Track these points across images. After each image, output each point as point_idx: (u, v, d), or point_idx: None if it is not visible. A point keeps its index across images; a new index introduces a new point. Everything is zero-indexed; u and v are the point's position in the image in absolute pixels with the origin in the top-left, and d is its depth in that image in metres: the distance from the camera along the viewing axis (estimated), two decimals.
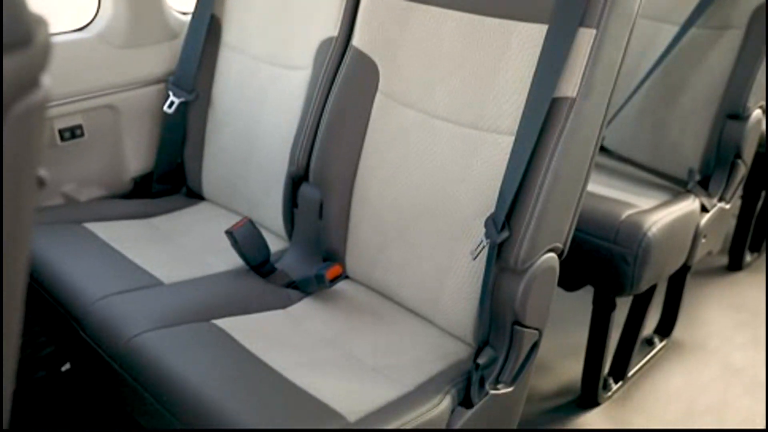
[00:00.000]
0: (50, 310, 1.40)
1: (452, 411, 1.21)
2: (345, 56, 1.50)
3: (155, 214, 1.74)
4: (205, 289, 1.42)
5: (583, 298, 1.88)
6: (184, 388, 1.13)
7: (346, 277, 1.52)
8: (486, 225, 1.23)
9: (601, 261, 1.72)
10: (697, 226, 1.87)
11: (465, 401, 1.23)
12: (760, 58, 1.90)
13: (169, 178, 1.89)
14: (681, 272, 1.96)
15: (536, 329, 1.28)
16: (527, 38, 1.26)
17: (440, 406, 1.18)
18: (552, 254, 1.27)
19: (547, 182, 1.20)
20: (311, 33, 1.58)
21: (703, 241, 1.90)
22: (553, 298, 1.31)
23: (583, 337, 1.88)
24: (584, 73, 1.19)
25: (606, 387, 1.94)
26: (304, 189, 1.54)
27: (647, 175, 2.08)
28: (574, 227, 1.31)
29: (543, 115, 1.19)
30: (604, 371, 1.89)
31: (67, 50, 1.72)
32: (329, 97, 1.50)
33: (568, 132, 1.19)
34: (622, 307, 1.87)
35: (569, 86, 1.19)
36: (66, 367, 1.69)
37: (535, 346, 1.29)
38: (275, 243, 1.60)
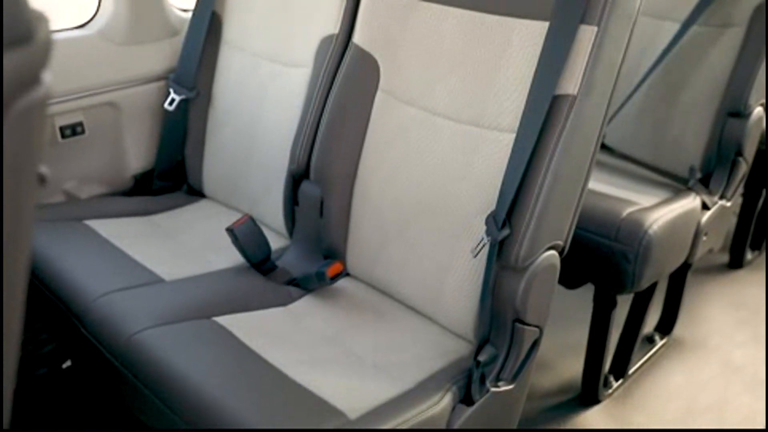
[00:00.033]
0: (51, 307, 1.40)
1: (453, 408, 1.21)
2: (346, 54, 1.50)
3: (156, 212, 1.74)
4: (205, 287, 1.42)
5: (584, 296, 1.88)
6: (185, 385, 1.13)
7: (347, 274, 1.52)
8: (487, 222, 1.23)
9: (601, 259, 1.72)
10: (698, 224, 1.87)
11: (466, 399, 1.23)
12: (761, 56, 1.90)
13: (170, 175, 1.89)
14: (682, 270, 1.96)
15: (537, 327, 1.28)
16: (528, 35, 1.26)
17: (441, 403, 1.18)
18: (553, 252, 1.27)
19: (548, 180, 1.20)
20: (312, 30, 1.58)
21: (704, 238, 1.90)
22: (553, 295, 1.31)
23: (584, 334, 1.88)
24: (585, 71, 1.19)
25: (606, 384, 1.94)
26: (305, 186, 1.54)
27: (648, 173, 2.07)
28: (574, 225, 1.31)
29: (544, 113, 1.19)
30: (604, 369, 1.90)
31: (67, 47, 1.72)
32: (330, 94, 1.50)
33: (569, 129, 1.19)
34: (623, 305, 1.87)
35: (570, 84, 1.19)
36: (67, 364, 1.70)
37: (535, 343, 1.29)
38: (276, 240, 1.60)
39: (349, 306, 1.44)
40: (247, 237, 1.47)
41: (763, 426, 1.87)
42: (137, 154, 1.88)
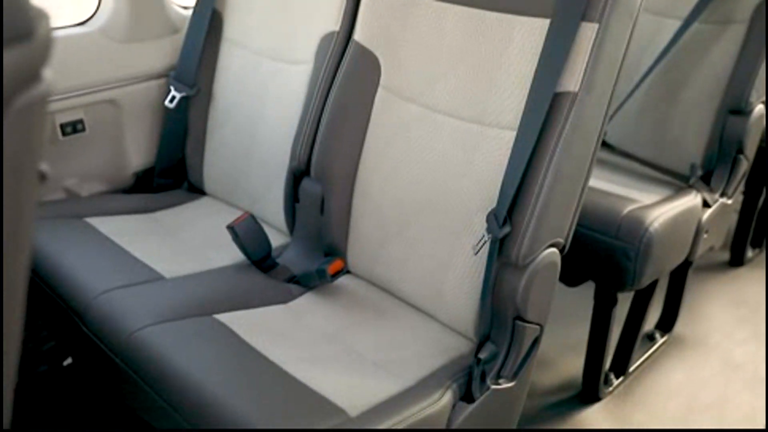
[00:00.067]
0: (52, 304, 1.40)
1: (453, 406, 1.21)
2: (346, 51, 1.50)
3: (156, 209, 1.74)
4: (206, 284, 1.42)
5: (585, 294, 1.88)
6: (186, 382, 1.13)
7: (348, 271, 1.52)
8: (487, 220, 1.23)
9: (602, 256, 1.72)
10: (699, 222, 1.87)
11: (466, 396, 1.23)
12: (763, 54, 1.90)
13: (171, 172, 1.89)
14: (682, 268, 1.96)
15: (537, 324, 1.28)
16: (529, 33, 1.26)
17: (441, 400, 1.18)
18: (553, 249, 1.27)
19: (549, 177, 1.20)
20: (313, 28, 1.58)
21: (705, 236, 1.90)
22: (554, 293, 1.31)
23: (585, 332, 1.88)
24: (586, 68, 1.19)
25: (607, 382, 1.94)
26: (306, 184, 1.54)
27: (649, 171, 2.07)
28: (575, 222, 1.31)
29: (545, 110, 1.19)
30: (605, 366, 1.89)
31: (68, 44, 1.71)
32: (331, 91, 1.50)
33: (570, 127, 1.19)
34: (624, 303, 1.87)
35: (571, 81, 1.19)
36: (68, 361, 1.70)
37: (536, 341, 1.29)
38: (276, 238, 1.59)
39: (350, 303, 1.44)
40: (247, 234, 1.47)
41: (763, 424, 1.87)
42: (138, 152, 1.88)
